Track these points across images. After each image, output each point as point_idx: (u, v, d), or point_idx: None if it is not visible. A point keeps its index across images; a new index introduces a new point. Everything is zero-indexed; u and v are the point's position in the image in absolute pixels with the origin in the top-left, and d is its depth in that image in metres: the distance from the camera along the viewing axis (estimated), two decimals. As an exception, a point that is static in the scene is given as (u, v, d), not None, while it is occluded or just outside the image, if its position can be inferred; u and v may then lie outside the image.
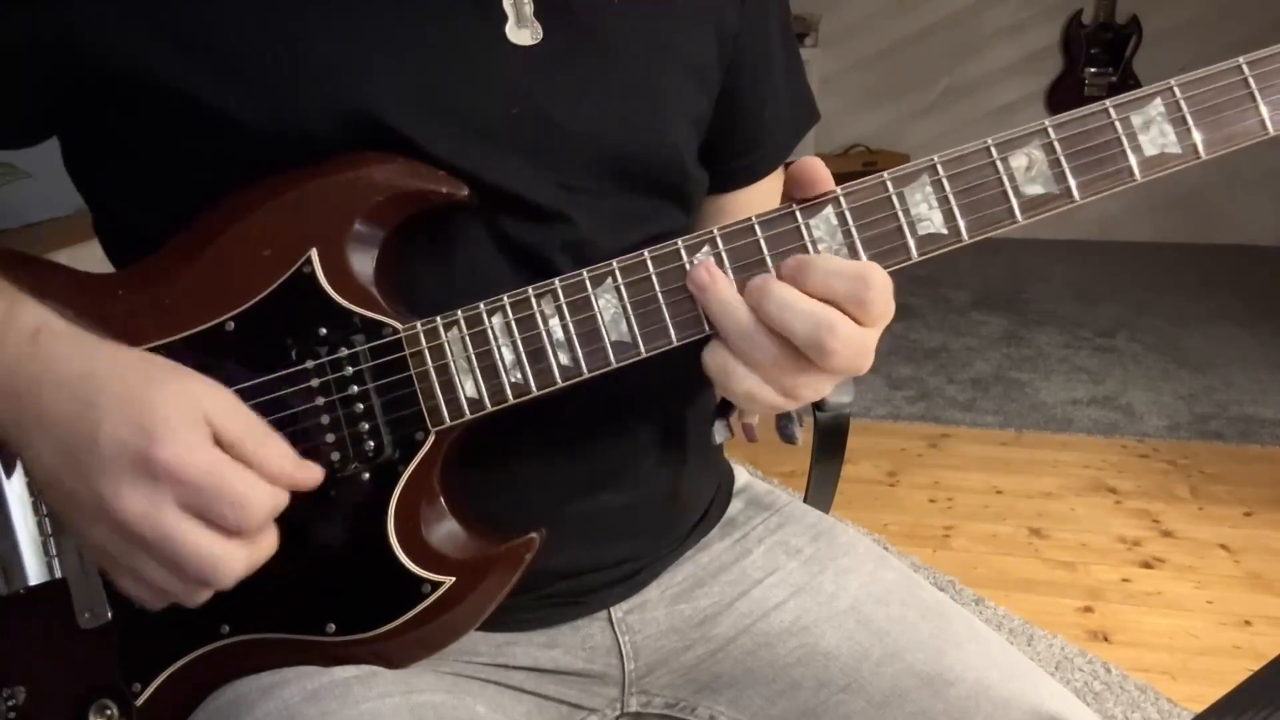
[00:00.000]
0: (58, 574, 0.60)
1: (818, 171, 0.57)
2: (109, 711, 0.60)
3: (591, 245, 0.64)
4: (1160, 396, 2.93)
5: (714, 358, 0.57)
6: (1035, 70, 4.46)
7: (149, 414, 0.50)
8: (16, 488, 0.60)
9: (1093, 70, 4.32)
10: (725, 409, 0.73)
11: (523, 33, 0.63)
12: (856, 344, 0.55)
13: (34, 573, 0.60)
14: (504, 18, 0.62)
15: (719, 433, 0.73)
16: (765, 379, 0.56)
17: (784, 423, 0.74)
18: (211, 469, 0.51)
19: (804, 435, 0.77)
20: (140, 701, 0.60)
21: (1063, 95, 4.36)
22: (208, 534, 0.51)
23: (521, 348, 0.58)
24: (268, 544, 0.54)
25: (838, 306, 0.55)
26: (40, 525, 0.60)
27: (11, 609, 0.60)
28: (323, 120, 0.59)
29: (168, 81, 0.58)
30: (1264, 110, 0.56)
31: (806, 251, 0.57)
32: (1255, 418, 2.78)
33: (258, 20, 0.58)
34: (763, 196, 0.80)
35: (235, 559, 0.52)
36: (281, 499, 0.54)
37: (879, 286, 0.55)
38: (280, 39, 0.58)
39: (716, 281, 0.56)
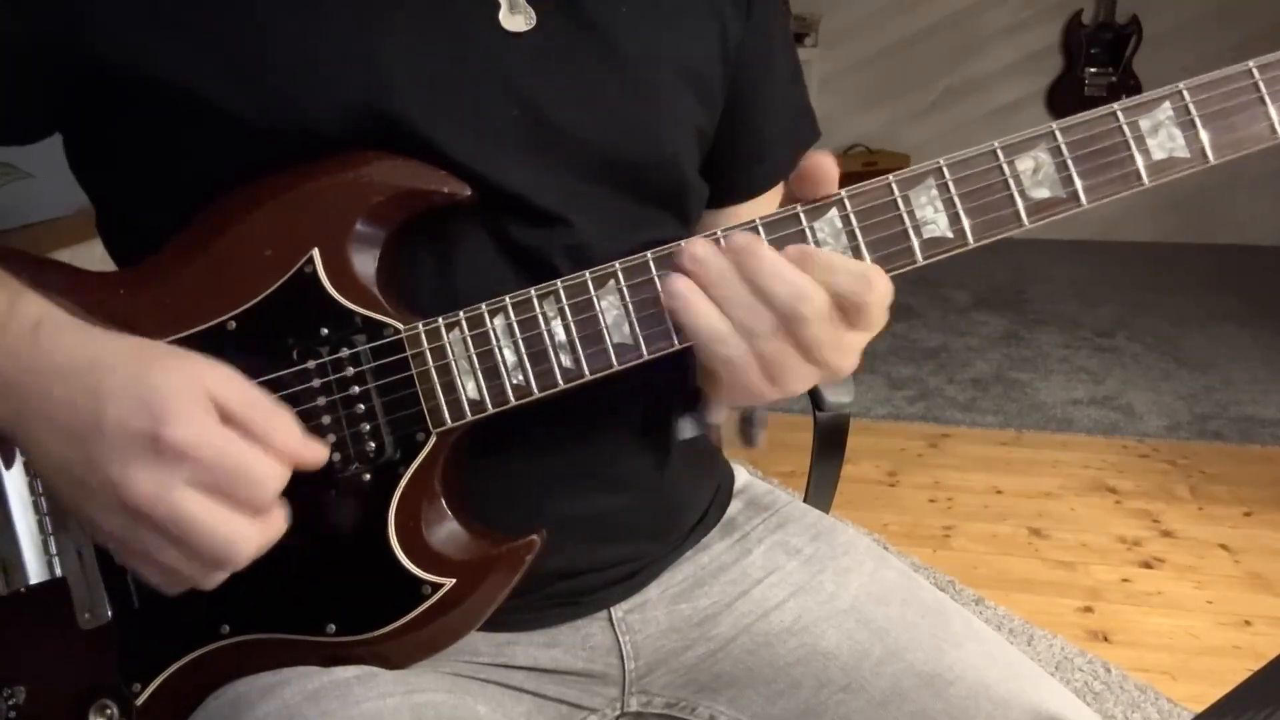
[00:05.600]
0: (58, 573, 0.60)
1: (826, 170, 0.56)
2: (109, 711, 0.60)
3: (592, 249, 0.64)
4: (1160, 396, 2.93)
5: (705, 319, 0.55)
6: (1035, 70, 4.46)
7: (153, 395, 0.50)
8: (16, 486, 0.60)
9: (1093, 70, 4.32)
10: (694, 403, 0.71)
11: (516, 19, 0.63)
12: (830, 332, 0.54)
13: (34, 572, 0.60)
14: (496, 4, 0.62)
15: (686, 428, 0.70)
16: (754, 351, 0.55)
17: (744, 425, 0.71)
18: (222, 446, 0.50)
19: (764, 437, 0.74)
20: (140, 701, 0.60)
21: (1063, 95, 4.36)
22: (220, 511, 0.50)
23: (523, 349, 0.58)
24: (278, 522, 0.53)
25: (836, 303, 0.54)
26: (40, 524, 0.60)
27: (12, 609, 0.60)
28: (331, 116, 0.59)
29: (175, 79, 0.58)
30: (1274, 115, 0.55)
31: None
32: (1255, 418, 2.78)
33: (266, 17, 0.58)
34: (762, 212, 0.80)
35: (247, 537, 0.51)
36: (287, 475, 0.53)
37: (880, 290, 0.54)
38: (288, 35, 0.59)
39: (709, 256, 0.55)
